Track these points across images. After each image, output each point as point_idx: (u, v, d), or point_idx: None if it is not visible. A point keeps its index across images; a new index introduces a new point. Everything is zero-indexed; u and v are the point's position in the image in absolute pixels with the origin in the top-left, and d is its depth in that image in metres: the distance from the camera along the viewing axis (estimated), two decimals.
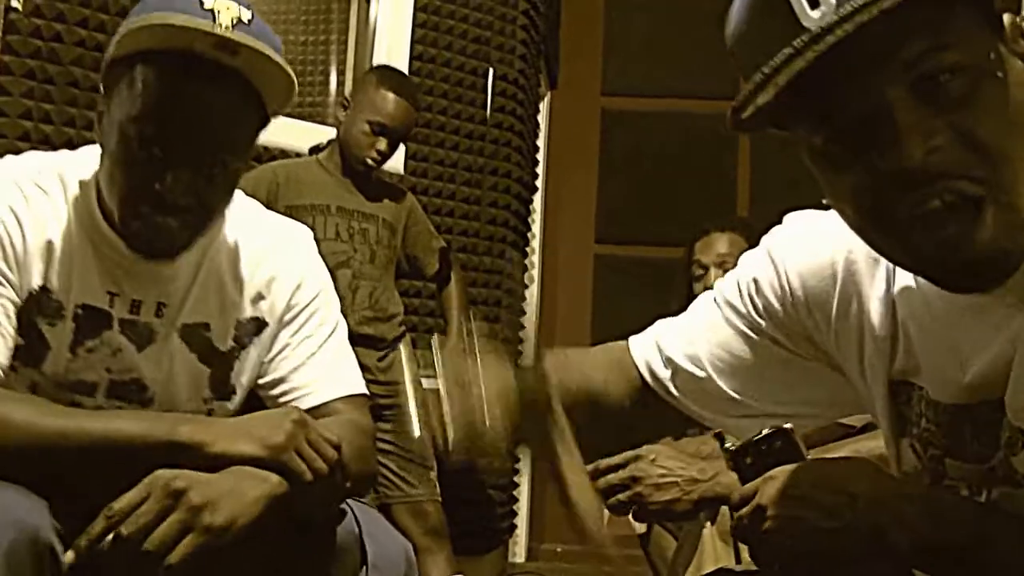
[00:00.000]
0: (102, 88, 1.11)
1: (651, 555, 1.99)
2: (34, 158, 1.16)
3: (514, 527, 3.57)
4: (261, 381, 1.22)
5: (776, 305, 0.95)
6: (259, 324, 1.21)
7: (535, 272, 3.82)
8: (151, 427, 0.98)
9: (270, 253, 1.22)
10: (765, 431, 0.85)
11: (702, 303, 1.02)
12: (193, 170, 1.05)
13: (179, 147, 1.04)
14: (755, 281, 0.96)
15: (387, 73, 2.44)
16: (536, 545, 3.79)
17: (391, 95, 2.29)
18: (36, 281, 1.09)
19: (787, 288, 0.94)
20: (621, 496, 1.31)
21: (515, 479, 3.51)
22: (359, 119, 2.29)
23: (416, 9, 3.10)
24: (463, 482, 3.12)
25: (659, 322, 1.06)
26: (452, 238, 3.01)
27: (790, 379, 0.97)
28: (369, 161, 2.30)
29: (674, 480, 1.29)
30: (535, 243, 3.80)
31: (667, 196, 3.94)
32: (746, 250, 2.19)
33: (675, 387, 1.01)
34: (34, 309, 1.10)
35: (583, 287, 3.97)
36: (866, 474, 0.81)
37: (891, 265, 0.85)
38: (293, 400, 1.20)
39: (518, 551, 3.70)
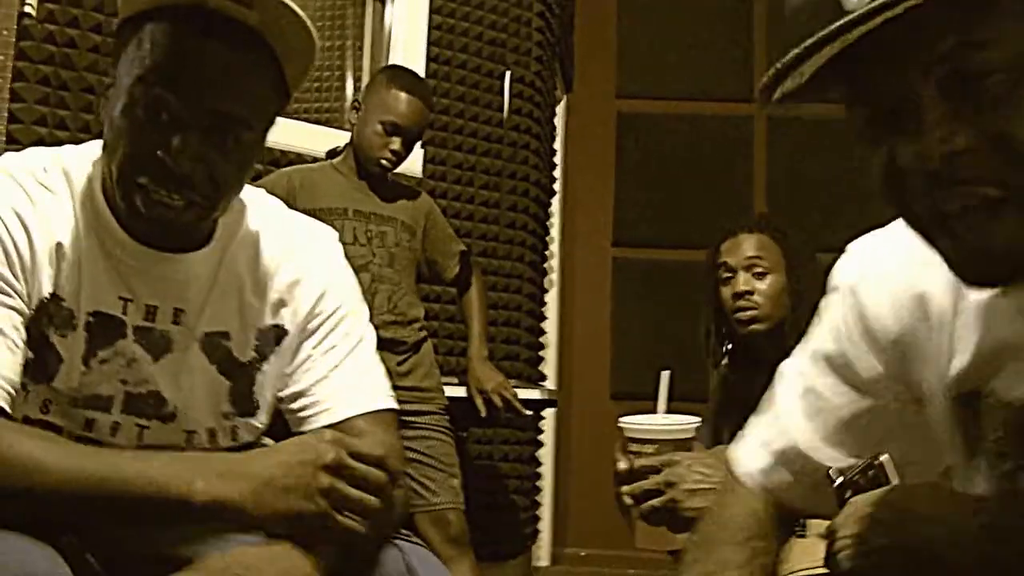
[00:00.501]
0: (112, 63, 1.03)
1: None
2: (36, 155, 1.07)
3: (537, 532, 3.53)
4: (281, 394, 1.14)
5: (869, 352, 0.92)
6: (279, 333, 1.12)
7: (554, 276, 3.78)
8: (171, 478, 0.89)
9: (293, 255, 1.13)
10: (861, 463, 0.84)
11: (793, 382, 1.00)
12: (202, 136, 0.96)
13: (187, 109, 0.95)
14: (842, 335, 0.94)
15: (397, 72, 2.41)
16: (560, 549, 3.75)
17: (403, 94, 2.26)
18: (46, 289, 1.00)
19: (872, 330, 0.91)
20: (655, 502, 1.25)
21: (537, 484, 3.48)
22: (371, 120, 2.26)
23: (431, 12, 3.08)
24: (487, 488, 3.09)
25: (760, 433, 1.03)
26: (471, 242, 2.98)
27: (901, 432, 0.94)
28: (384, 162, 2.26)
29: (711, 486, 1.22)
30: (554, 247, 3.77)
31: (684, 199, 3.91)
32: (776, 252, 2.06)
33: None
34: (44, 319, 1.01)
35: (601, 291, 3.94)
36: (932, 493, 0.80)
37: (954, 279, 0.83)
38: (313, 416, 1.11)
39: (542, 555, 3.66)
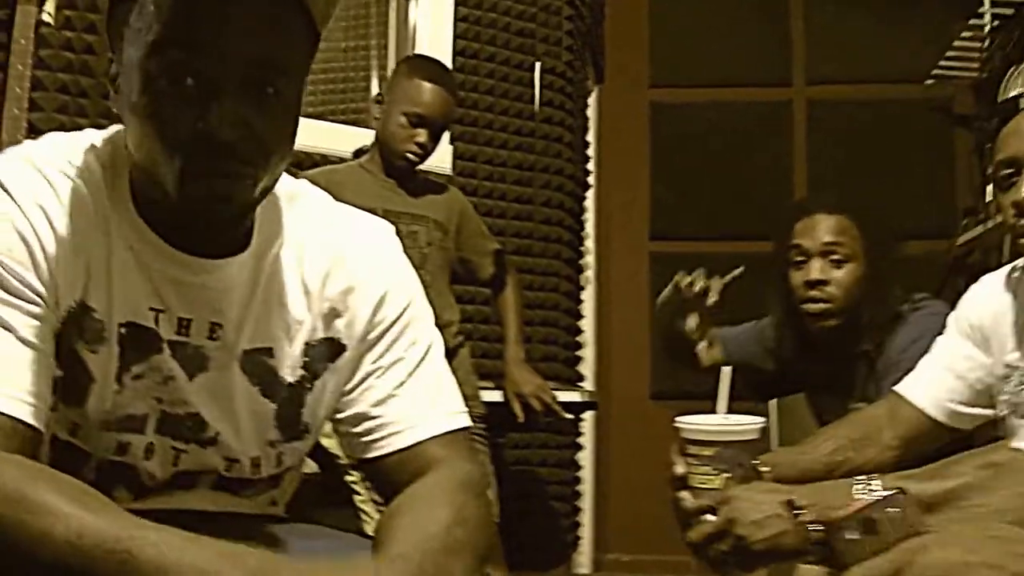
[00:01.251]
0: (110, 51, 0.92)
1: None
2: (54, 143, 0.94)
3: (579, 538, 3.45)
4: (339, 416, 1.02)
5: None
6: (335, 348, 1.00)
7: (590, 273, 3.69)
8: None
9: (345, 258, 1.00)
10: (874, 496, 0.70)
11: None
12: (238, 95, 0.84)
13: (214, 66, 0.83)
14: None
15: (419, 62, 2.33)
16: (602, 556, 3.67)
17: (425, 84, 2.18)
18: (74, 296, 0.89)
19: None
20: (722, 546, 1.13)
21: (577, 488, 3.39)
22: (394, 112, 2.18)
23: (457, 4, 3.00)
24: (526, 494, 3.01)
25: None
26: (505, 240, 2.89)
27: None
28: (409, 155, 2.18)
29: (776, 512, 1.10)
30: (589, 242, 3.68)
31: (722, 189, 3.81)
32: (856, 238, 1.84)
33: None
34: (73, 332, 0.89)
35: (639, 286, 3.84)
36: None
37: None
38: (379, 440, 0.99)
39: (583, 562, 3.58)
